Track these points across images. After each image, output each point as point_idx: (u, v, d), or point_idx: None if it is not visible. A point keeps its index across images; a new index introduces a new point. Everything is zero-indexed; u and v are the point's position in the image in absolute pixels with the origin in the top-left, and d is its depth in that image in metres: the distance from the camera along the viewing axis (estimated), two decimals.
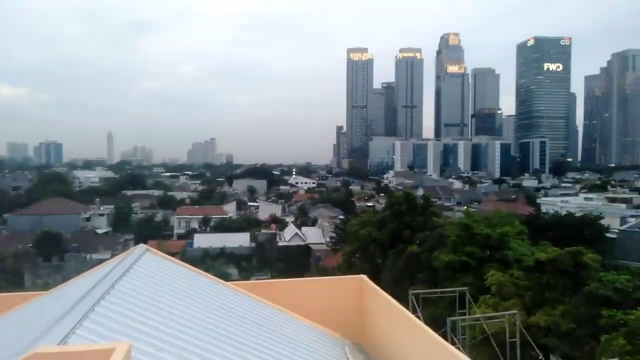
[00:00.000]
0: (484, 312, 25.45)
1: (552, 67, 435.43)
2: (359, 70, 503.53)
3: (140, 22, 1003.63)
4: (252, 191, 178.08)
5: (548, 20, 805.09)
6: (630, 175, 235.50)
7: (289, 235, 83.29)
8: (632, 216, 66.33)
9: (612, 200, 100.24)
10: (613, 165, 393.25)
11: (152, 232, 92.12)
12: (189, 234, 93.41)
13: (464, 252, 35.59)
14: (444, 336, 16.66)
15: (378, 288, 11.00)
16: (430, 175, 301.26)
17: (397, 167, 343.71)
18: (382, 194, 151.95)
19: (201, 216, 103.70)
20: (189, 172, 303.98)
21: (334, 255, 67.93)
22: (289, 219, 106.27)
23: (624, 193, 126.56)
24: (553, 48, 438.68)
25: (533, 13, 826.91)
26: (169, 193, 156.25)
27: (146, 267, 8.46)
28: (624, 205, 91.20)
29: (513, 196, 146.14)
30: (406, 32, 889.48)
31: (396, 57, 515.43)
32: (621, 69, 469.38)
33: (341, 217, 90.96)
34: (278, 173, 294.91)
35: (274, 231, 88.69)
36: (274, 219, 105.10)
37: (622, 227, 50.07)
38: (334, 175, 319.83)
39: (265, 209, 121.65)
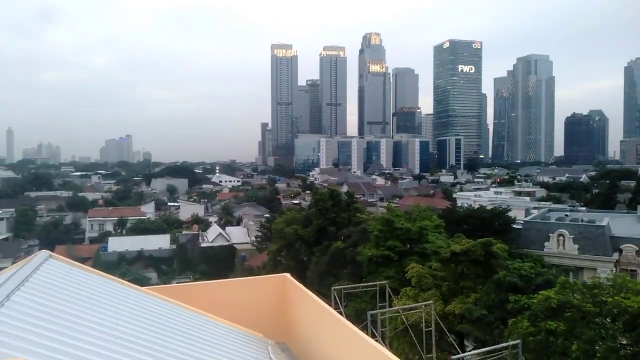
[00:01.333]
0: (405, 303, 26.52)
1: (466, 68, 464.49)
2: (283, 66, 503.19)
3: (49, 8, 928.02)
4: (172, 191, 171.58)
5: (462, 24, 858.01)
6: (533, 171, 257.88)
7: (212, 236, 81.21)
8: (534, 208, 72.47)
9: (518, 193, 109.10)
10: (519, 161, 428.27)
11: (60, 237, 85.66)
12: (102, 238, 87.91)
13: (386, 246, 36.81)
14: (366, 329, 17.09)
15: (301, 286, 10.98)
16: (354, 172, 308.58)
17: (323, 164, 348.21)
18: (308, 191, 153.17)
19: (116, 218, 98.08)
20: (102, 171, 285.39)
21: (259, 254, 67.31)
22: (213, 219, 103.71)
23: (528, 187, 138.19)
24: (466, 51, 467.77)
25: (449, 17, 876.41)
26: (80, 194, 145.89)
27: (48, 276, 7.73)
28: (528, 198, 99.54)
29: (432, 191, 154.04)
30: (330, 30, 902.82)
31: (320, 54, 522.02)
32: (525, 72, 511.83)
33: (267, 215, 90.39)
34: (200, 171, 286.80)
35: (196, 232, 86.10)
36: (196, 219, 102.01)
37: (527, 218, 54.40)
38: (259, 173, 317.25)
39: (187, 209, 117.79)
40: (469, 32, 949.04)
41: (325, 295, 23.17)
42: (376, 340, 9.39)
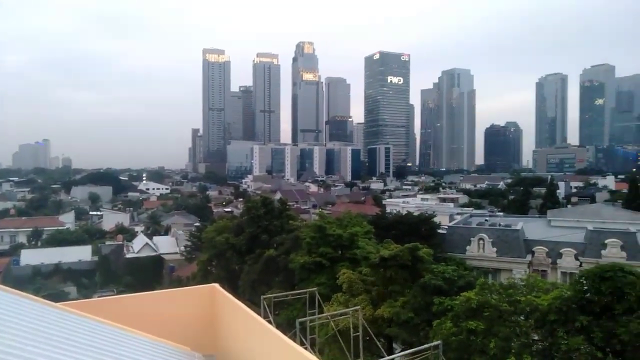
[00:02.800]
0: (337, 309, 26.86)
1: (395, 79, 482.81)
2: (215, 72, 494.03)
3: None
4: (94, 199, 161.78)
5: (392, 37, 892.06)
6: (456, 178, 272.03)
7: (138, 246, 77.46)
8: (458, 214, 76.63)
9: (443, 200, 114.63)
10: (444, 169, 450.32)
11: None
12: (14, 250, 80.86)
13: (318, 253, 37.14)
14: (296, 337, 17.09)
15: (230, 296, 10.78)
16: (288, 179, 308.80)
17: (256, 171, 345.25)
18: (240, 199, 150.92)
19: (30, 228, 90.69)
20: (15, 178, 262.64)
21: (189, 264, 65.22)
22: (139, 229, 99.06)
23: (452, 194, 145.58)
24: (395, 63, 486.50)
25: (379, 30, 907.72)
26: None
27: None
28: (452, 204, 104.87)
29: (362, 198, 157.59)
30: (263, 37, 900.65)
31: (254, 61, 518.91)
32: (449, 85, 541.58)
33: (197, 224, 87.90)
34: (126, 178, 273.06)
35: (121, 242, 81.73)
36: (120, 229, 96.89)
37: (450, 224, 57.38)
38: (189, 180, 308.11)
39: (111, 219, 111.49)
40: (398, 45, 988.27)
41: (257, 305, 22.91)
42: (305, 348, 9.44)
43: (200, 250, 61.88)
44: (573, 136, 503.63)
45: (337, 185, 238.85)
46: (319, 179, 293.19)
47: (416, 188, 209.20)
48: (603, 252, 41.94)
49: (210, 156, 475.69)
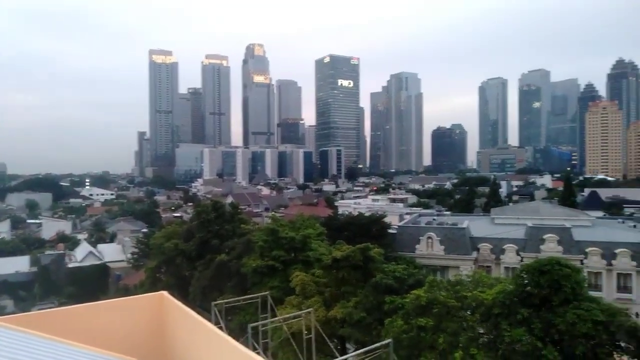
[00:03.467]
0: (290, 312, 26.79)
1: (345, 83, 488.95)
2: (162, 73, 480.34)
3: None
4: (32, 206, 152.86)
5: (342, 41, 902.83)
6: (406, 179, 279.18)
7: (81, 255, 73.99)
8: (407, 213, 78.54)
9: (393, 200, 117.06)
10: (394, 170, 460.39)
11: None
12: None
13: (271, 256, 36.95)
14: (248, 342, 16.92)
15: (179, 303, 10.53)
16: (239, 182, 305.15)
17: (206, 175, 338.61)
18: (190, 204, 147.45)
19: None
20: None
21: (136, 272, 63.06)
22: (82, 236, 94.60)
23: (401, 194, 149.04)
24: (345, 66, 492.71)
25: (329, 33, 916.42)
26: None
27: None
28: (401, 204, 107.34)
29: (315, 200, 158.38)
30: (212, 38, 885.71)
31: (202, 62, 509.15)
32: (397, 88, 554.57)
33: (145, 230, 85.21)
34: (67, 184, 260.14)
35: (62, 251, 77.74)
36: (61, 238, 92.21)
37: (400, 223, 58.74)
38: (136, 185, 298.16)
39: (51, 227, 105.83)
40: (347, 49, 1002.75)
41: (209, 311, 22.45)
42: (257, 353, 9.39)
43: (148, 257, 59.98)
44: (513, 137, 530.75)
45: (289, 188, 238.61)
46: (271, 181, 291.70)
47: (367, 189, 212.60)
48: (542, 247, 44.36)
49: (158, 160, 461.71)
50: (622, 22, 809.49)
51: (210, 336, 8.67)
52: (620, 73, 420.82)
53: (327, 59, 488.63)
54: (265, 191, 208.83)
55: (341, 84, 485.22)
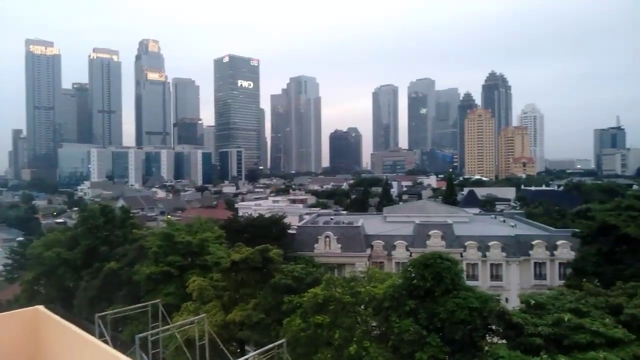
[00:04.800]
0: (186, 318, 25.96)
1: (245, 84, 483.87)
2: (42, 66, 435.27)
3: None
4: None
5: (241, 41, 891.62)
6: (305, 180, 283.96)
7: None
8: (307, 214, 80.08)
9: (293, 201, 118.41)
10: (294, 171, 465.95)
11: None
12: None
13: (166, 262, 35.49)
14: (145, 353, 16.14)
15: (58, 318, 9.73)
16: (132, 185, 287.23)
17: (94, 177, 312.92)
18: (75, 208, 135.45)
19: None
20: None
21: (10, 285, 56.50)
22: None
23: (301, 195, 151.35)
24: (245, 67, 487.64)
25: (229, 32, 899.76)
26: None
27: None
28: (301, 205, 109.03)
29: (214, 202, 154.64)
30: (101, 31, 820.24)
31: (90, 56, 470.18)
32: (297, 91, 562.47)
33: (20, 238, 76.63)
34: None
35: None
36: None
37: (300, 224, 59.77)
38: (10, 189, 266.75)
39: None
40: (247, 48, 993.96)
41: (94, 323, 20.90)
42: None
43: (24, 269, 54.06)
44: (403, 141, 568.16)
45: (187, 190, 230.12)
46: (168, 183, 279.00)
47: (268, 190, 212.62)
48: (428, 242, 48.03)
49: (37, 161, 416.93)
50: (495, 39, 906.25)
51: (93, 351, 8.18)
52: (493, 84, 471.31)
53: (226, 59, 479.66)
54: (161, 194, 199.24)
55: (241, 84, 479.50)
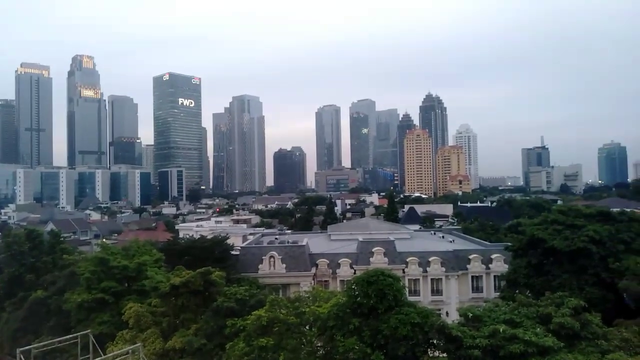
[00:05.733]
0: (122, 347, 24.57)
1: (186, 102, 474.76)
2: None
3: None
4: None
5: (181, 59, 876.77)
6: (249, 200, 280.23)
7: None
8: (250, 234, 78.87)
9: (237, 221, 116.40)
10: (237, 191, 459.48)
11: None
12: None
13: (100, 288, 33.63)
14: None
15: None
16: (63, 207, 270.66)
17: (21, 199, 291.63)
18: None
19: None
20: None
21: None
22: None
23: (245, 215, 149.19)
24: (186, 85, 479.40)
25: (168, 49, 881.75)
26: None
27: None
28: (245, 225, 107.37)
29: (153, 224, 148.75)
30: (30, 46, 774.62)
31: (17, 71, 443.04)
32: (240, 110, 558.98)
33: None
34: None
35: None
36: None
37: (243, 244, 58.69)
38: None
39: None
40: (188, 67, 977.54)
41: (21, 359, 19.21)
42: None
43: None
44: (346, 159, 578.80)
45: (124, 212, 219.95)
46: (103, 205, 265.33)
47: (210, 211, 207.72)
48: (371, 259, 48.74)
49: None
50: (431, 62, 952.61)
51: None
52: (429, 106, 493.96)
53: (166, 77, 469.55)
54: (95, 216, 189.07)
55: (182, 102, 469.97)
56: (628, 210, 43.25)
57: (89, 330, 18.68)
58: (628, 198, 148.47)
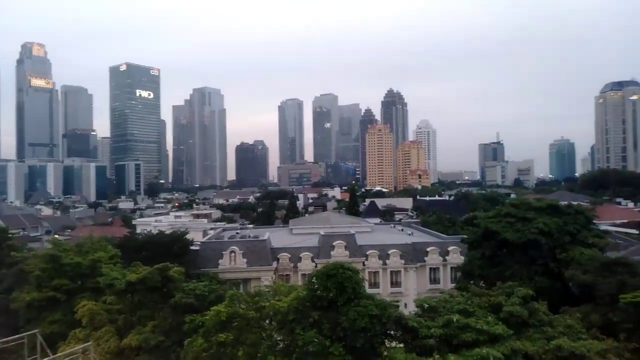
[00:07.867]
0: (74, 347, 23.79)
1: (144, 93, 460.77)
2: None
3: None
4: None
5: (139, 48, 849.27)
6: (210, 194, 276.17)
7: None
8: (211, 229, 77.84)
9: (197, 216, 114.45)
10: (197, 185, 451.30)
11: None
12: None
13: (51, 287, 32.40)
14: None
15: None
16: (11, 202, 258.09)
17: None
18: None
19: None
20: None
21: None
22: None
23: (205, 209, 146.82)
24: (144, 76, 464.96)
25: (126, 38, 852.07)
26: None
27: None
28: (205, 220, 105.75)
29: (109, 219, 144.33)
30: None
31: None
32: (200, 103, 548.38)
33: None
34: None
35: None
36: None
37: (204, 239, 57.85)
38: None
39: None
40: (147, 57, 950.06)
41: None
42: None
43: None
44: (309, 154, 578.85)
45: (78, 207, 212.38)
46: (55, 200, 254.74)
47: (169, 205, 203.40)
48: (332, 252, 49.13)
49: None
50: (392, 58, 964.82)
51: None
52: (391, 101, 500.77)
53: (123, 67, 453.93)
54: (47, 211, 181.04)
55: (140, 94, 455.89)
56: (575, 203, 45.65)
57: (36, 330, 17.93)
58: (575, 192, 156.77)
